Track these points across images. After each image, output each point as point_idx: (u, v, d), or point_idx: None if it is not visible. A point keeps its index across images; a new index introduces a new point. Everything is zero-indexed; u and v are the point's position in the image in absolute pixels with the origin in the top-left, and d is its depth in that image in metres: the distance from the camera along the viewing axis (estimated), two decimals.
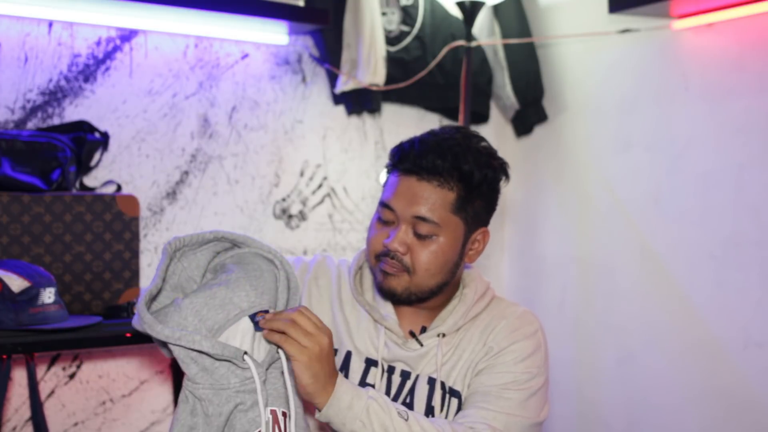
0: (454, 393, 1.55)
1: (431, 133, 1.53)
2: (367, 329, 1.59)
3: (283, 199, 2.68)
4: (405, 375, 1.57)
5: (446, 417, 1.54)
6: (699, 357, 2.46)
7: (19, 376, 2.24)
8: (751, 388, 2.33)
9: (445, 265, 1.53)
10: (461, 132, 1.54)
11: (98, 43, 2.35)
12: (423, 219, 1.48)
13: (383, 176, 2.62)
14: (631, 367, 2.64)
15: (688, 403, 2.48)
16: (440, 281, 1.54)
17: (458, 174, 1.47)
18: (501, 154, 1.58)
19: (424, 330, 1.60)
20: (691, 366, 2.48)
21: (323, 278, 1.66)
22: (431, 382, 1.56)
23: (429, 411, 1.55)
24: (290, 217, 2.70)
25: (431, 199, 1.47)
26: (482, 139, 1.55)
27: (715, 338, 2.42)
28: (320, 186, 2.74)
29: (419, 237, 1.49)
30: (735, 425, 2.38)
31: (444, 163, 1.46)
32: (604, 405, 2.72)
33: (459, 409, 1.54)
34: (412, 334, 1.58)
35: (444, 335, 1.57)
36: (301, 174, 2.71)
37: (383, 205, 1.52)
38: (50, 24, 2.28)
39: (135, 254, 2.11)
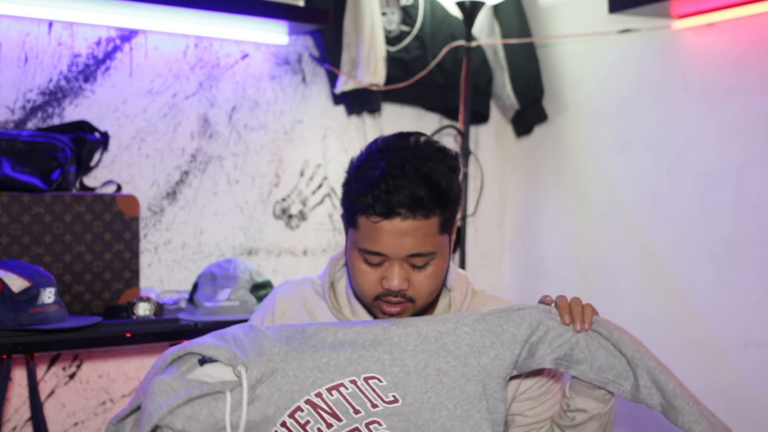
0: None
1: (387, 158, 1.42)
2: None
3: (283, 199, 2.68)
4: None
5: None
6: (699, 356, 2.46)
7: (19, 376, 2.24)
8: (751, 387, 2.33)
9: (442, 278, 1.52)
10: (410, 143, 1.45)
11: (98, 43, 2.35)
12: (419, 254, 1.43)
13: None
14: None
15: None
16: (438, 292, 1.54)
17: (437, 198, 1.41)
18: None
19: None
20: (691, 365, 2.48)
21: (290, 309, 1.60)
22: None
23: None
24: (290, 217, 2.70)
25: (420, 233, 1.41)
26: (422, 134, 1.49)
27: (715, 338, 2.42)
28: (320, 186, 2.74)
29: (415, 267, 1.45)
30: (735, 424, 2.37)
31: (423, 193, 1.39)
32: None
33: None
34: None
35: None
36: (301, 174, 2.71)
37: (368, 251, 1.43)
38: (50, 24, 2.28)
39: (135, 254, 2.11)
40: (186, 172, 2.50)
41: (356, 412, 1.31)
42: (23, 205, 1.98)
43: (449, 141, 2.92)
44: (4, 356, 1.83)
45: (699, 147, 2.46)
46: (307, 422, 1.31)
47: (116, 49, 2.38)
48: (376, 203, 1.38)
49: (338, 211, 2.78)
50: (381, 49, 2.61)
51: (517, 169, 3.01)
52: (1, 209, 1.95)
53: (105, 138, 2.26)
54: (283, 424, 1.31)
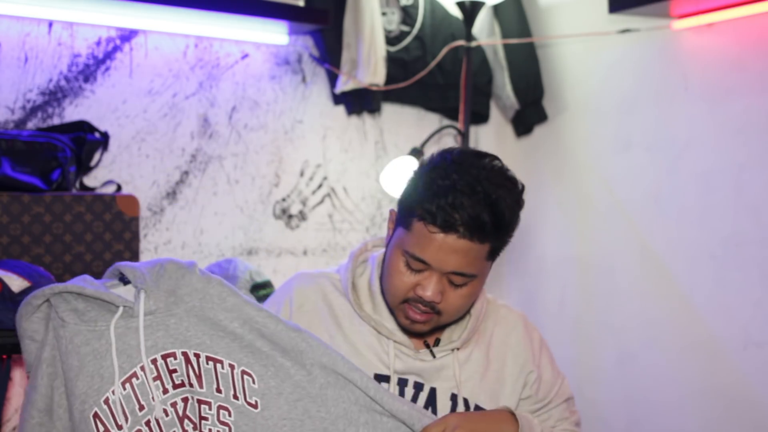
0: (480, 410, 1.55)
1: (460, 172, 1.41)
2: (371, 345, 1.54)
3: (283, 199, 2.68)
4: (418, 387, 1.55)
5: None
6: (699, 356, 2.46)
7: (19, 376, 2.24)
8: (751, 387, 2.33)
9: (473, 300, 1.52)
10: (486, 165, 1.45)
11: (98, 43, 2.35)
12: (461, 274, 1.44)
13: (384, 176, 2.61)
14: (631, 367, 2.64)
15: (687, 402, 2.48)
16: (465, 312, 1.55)
17: (498, 227, 1.42)
18: (501, 154, 1.55)
19: (436, 342, 1.58)
20: (690, 365, 2.48)
21: (308, 302, 1.58)
22: (454, 398, 1.54)
23: None
24: (290, 217, 2.70)
25: (470, 254, 1.42)
26: (497, 158, 1.49)
27: (715, 338, 2.42)
28: (320, 186, 2.74)
29: (453, 284, 1.46)
30: (734, 425, 2.38)
31: (487, 218, 1.39)
32: (604, 404, 2.72)
33: None
34: (427, 345, 1.56)
35: (458, 348, 1.56)
36: (301, 174, 2.71)
37: (414, 257, 1.43)
38: (50, 24, 2.28)
39: (135, 254, 2.11)
40: (186, 172, 2.50)
41: (218, 390, 1.36)
42: (23, 205, 1.98)
43: (449, 141, 2.93)
44: (4, 356, 1.83)
45: (699, 147, 2.46)
46: (175, 371, 1.35)
47: (116, 49, 2.38)
48: (439, 214, 1.38)
49: (338, 211, 2.78)
50: (381, 49, 2.61)
51: (517, 169, 2.98)
52: (1, 209, 1.95)
53: (105, 138, 2.27)
54: (153, 361, 1.34)
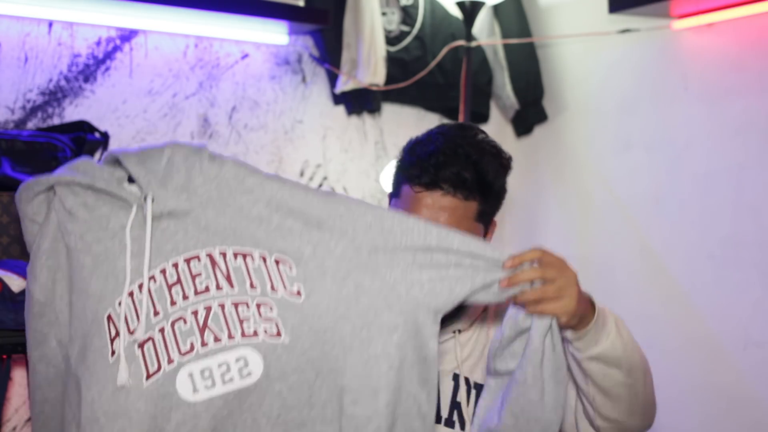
0: (479, 387, 1.56)
1: (444, 140, 1.49)
2: None
3: None
4: None
5: (473, 411, 1.54)
6: (698, 356, 2.46)
7: (19, 376, 2.24)
8: (750, 387, 2.33)
9: None
10: (469, 134, 1.53)
11: (98, 43, 2.35)
12: None
13: (384, 176, 2.61)
14: None
15: (687, 401, 2.48)
16: None
17: (481, 184, 1.48)
18: None
19: None
20: (690, 365, 2.48)
21: None
22: (456, 378, 1.56)
23: (455, 406, 1.56)
24: None
25: (457, 212, 1.46)
26: (482, 131, 1.57)
27: (715, 338, 2.42)
28: (320, 186, 2.74)
29: None
30: (734, 424, 2.38)
31: (469, 175, 1.45)
32: None
33: None
34: None
35: (460, 331, 1.58)
36: (301, 174, 2.71)
37: None
38: (50, 24, 2.28)
39: None
40: None
41: (252, 286, 1.21)
42: None
43: None
44: (4, 356, 1.83)
45: (698, 147, 2.46)
46: (199, 274, 1.22)
47: (116, 49, 2.38)
48: (423, 174, 1.46)
49: None
50: (381, 49, 2.61)
51: (517, 169, 3.00)
52: (1, 209, 1.95)
53: (105, 138, 2.26)
54: (175, 265, 1.22)
